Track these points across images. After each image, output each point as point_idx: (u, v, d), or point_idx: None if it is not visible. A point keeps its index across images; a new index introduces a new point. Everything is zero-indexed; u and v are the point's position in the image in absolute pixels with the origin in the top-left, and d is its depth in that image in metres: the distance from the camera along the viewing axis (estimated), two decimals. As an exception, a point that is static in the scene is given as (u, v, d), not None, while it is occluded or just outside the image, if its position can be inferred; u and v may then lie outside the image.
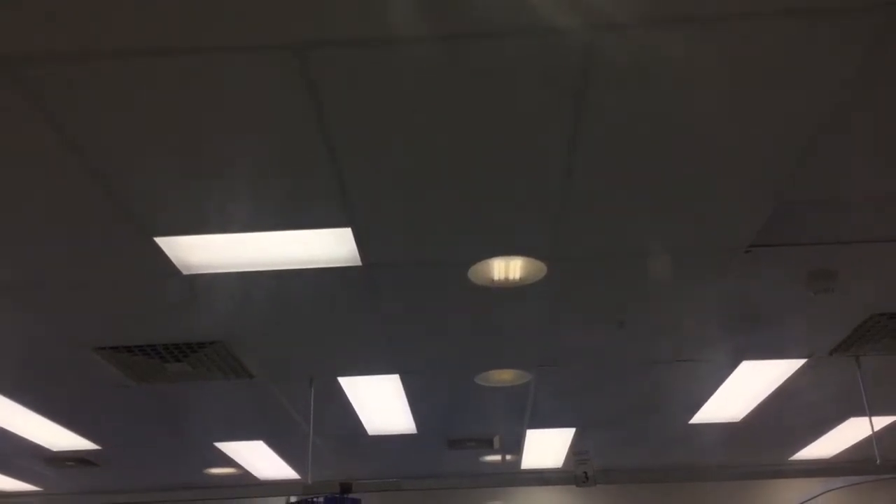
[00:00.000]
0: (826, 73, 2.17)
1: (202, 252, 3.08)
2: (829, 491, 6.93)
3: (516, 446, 6.40)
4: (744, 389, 5.01)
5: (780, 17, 1.96)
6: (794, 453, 6.67)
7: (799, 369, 4.62)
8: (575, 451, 5.87)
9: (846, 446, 6.41)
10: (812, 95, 2.26)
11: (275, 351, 4.13)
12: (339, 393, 4.86)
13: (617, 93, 2.23)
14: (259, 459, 6.48)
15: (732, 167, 2.61)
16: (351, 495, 4.39)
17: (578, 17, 1.94)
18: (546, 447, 6.40)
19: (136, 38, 1.96)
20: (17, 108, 2.19)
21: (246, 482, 7.18)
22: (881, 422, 5.76)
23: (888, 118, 2.40)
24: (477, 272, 3.33)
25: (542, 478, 5.47)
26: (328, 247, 3.09)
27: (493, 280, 3.39)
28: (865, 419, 5.46)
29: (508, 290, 3.50)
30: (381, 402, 5.14)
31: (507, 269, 3.32)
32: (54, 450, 5.89)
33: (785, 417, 5.62)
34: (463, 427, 5.83)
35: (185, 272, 3.21)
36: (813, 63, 2.12)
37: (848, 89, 2.24)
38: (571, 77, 2.16)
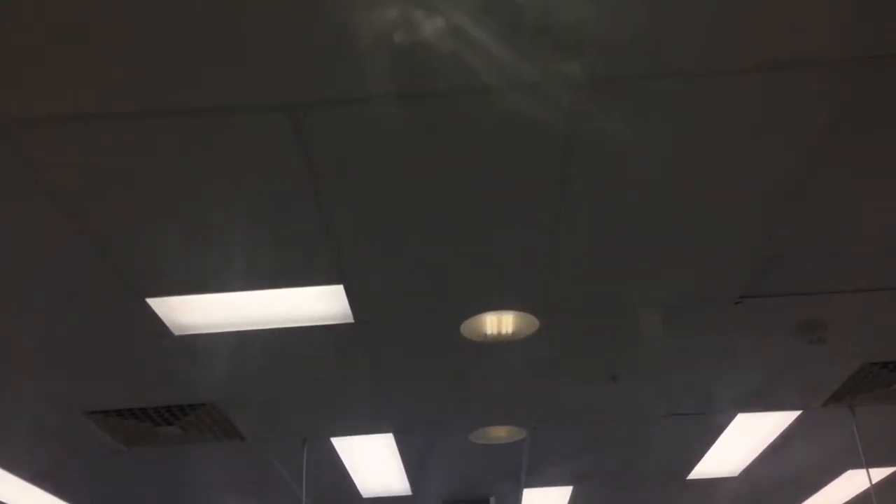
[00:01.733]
0: (805, 124, 2.21)
1: (194, 312, 3.08)
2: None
3: (513, 507, 6.31)
4: (741, 443, 4.97)
5: (757, 71, 2.00)
6: (793, 508, 6.60)
7: (794, 421, 4.60)
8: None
9: (846, 499, 6.34)
10: (791, 147, 2.30)
11: (267, 411, 4.09)
12: (333, 454, 4.81)
13: (600, 152, 2.27)
14: (251, 525, 6.36)
15: (717, 220, 2.64)
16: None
17: (559, 78, 1.98)
18: (543, 507, 6.32)
19: (130, 102, 1.99)
20: (11, 170, 2.21)
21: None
22: (879, 474, 5.71)
23: (868, 167, 2.45)
24: (470, 327, 3.33)
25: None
26: (320, 304, 3.09)
27: (485, 335, 3.39)
28: (863, 471, 5.42)
29: (501, 345, 3.50)
30: (374, 463, 5.08)
31: (500, 323, 3.32)
32: (42, 519, 5.77)
33: (783, 471, 5.57)
34: (458, 488, 5.75)
35: (176, 333, 3.20)
36: (791, 114, 2.17)
37: (827, 139, 2.29)
38: (556, 136, 2.19)
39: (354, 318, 3.18)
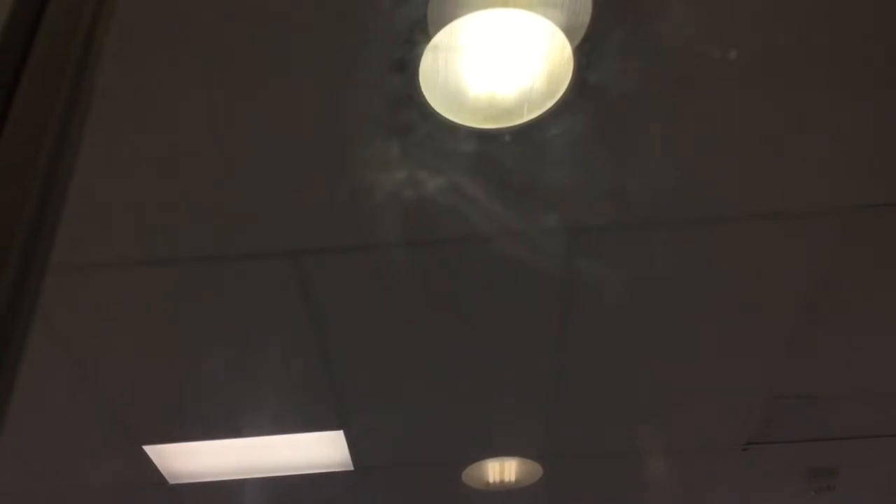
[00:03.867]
0: (801, 270, 2.24)
1: (190, 460, 3.02)
2: None
3: None
4: None
5: (752, 220, 2.05)
6: None
7: (810, 574, 4.41)
8: None
9: None
10: (793, 293, 2.32)
11: (262, 564, 3.94)
12: None
13: (597, 299, 2.29)
14: None
15: (721, 365, 2.63)
16: None
17: (546, 229, 2.04)
18: None
19: (135, 251, 2.03)
20: (15, 318, 2.23)
21: None
22: None
23: (866, 312, 2.46)
24: (471, 475, 3.25)
25: None
26: (320, 450, 3.03)
27: (488, 483, 3.31)
28: None
29: (504, 494, 3.41)
30: None
31: (503, 470, 3.25)
32: None
33: None
34: None
35: (171, 481, 3.13)
36: (787, 260, 2.20)
37: (830, 286, 2.31)
38: (553, 284, 2.23)
39: (354, 464, 3.12)
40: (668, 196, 1.96)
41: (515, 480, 3.30)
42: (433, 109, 1.69)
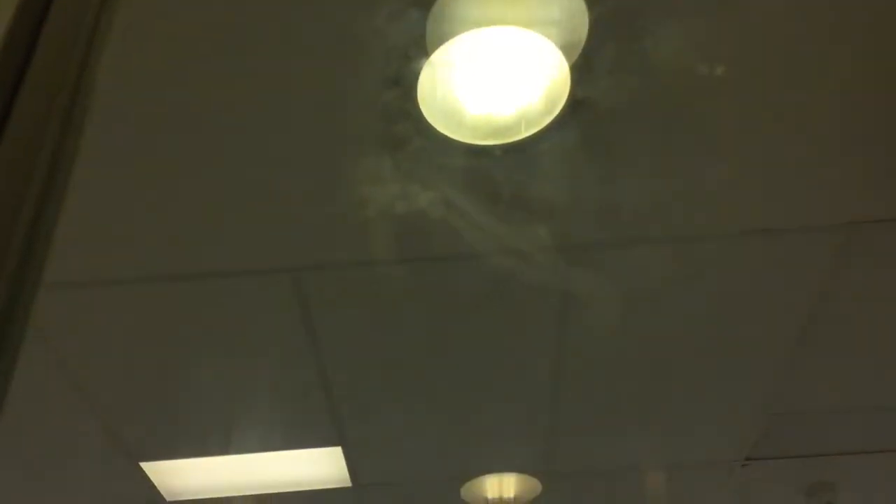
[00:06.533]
0: (799, 285, 2.25)
1: (188, 477, 3.00)
2: None
3: None
4: None
5: (750, 236, 2.06)
6: None
7: (811, 591, 4.39)
8: None
9: None
10: (788, 305, 2.32)
11: (259, 582, 3.92)
12: None
13: (592, 313, 2.29)
14: None
15: (720, 380, 2.63)
16: None
17: (549, 244, 2.04)
18: None
19: (125, 268, 2.03)
20: (13, 334, 2.22)
21: None
22: None
23: (864, 328, 2.46)
24: (470, 491, 3.24)
25: None
26: (317, 467, 3.02)
27: (487, 499, 3.29)
28: None
29: (503, 510, 3.39)
30: None
31: (501, 486, 3.24)
32: None
33: None
34: None
35: (168, 499, 3.12)
36: (783, 278, 2.20)
37: (822, 299, 2.31)
38: (547, 297, 2.23)
39: (352, 481, 3.11)
40: (663, 211, 1.97)
41: (514, 496, 3.29)
42: (430, 125, 1.69)
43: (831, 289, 2.27)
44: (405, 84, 1.61)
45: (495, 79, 1.63)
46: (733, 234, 2.05)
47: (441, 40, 1.55)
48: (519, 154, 1.77)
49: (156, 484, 3.00)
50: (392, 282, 2.15)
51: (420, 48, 1.56)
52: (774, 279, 2.21)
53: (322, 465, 3.01)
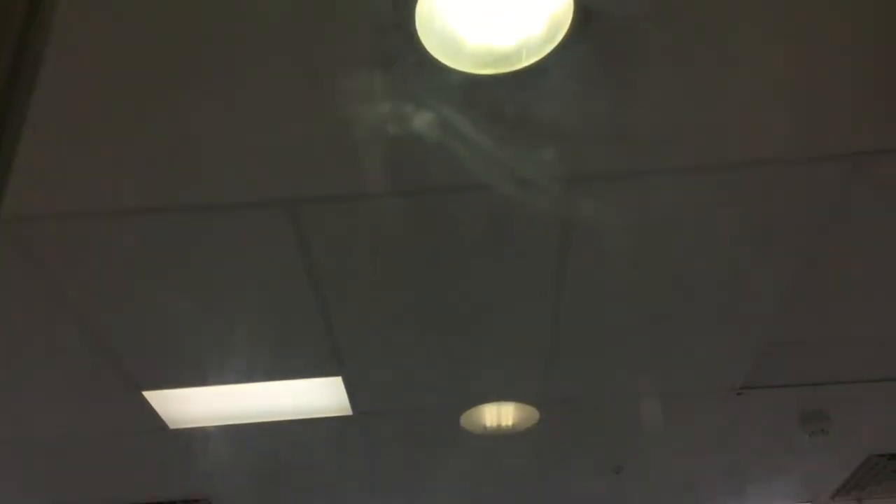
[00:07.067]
0: (801, 217, 2.23)
1: (190, 405, 3.04)
2: None
3: None
4: (747, 536, 4.85)
5: (752, 167, 2.04)
6: None
7: (802, 514, 4.50)
8: None
9: None
10: (789, 237, 2.32)
11: (263, 506, 4.01)
12: (330, 549, 4.69)
13: (594, 242, 2.29)
14: None
15: (717, 310, 2.64)
16: None
17: (555, 172, 2.02)
18: None
19: (126, 199, 2.01)
20: (13, 265, 2.22)
21: None
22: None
23: (864, 260, 2.46)
24: (469, 419, 3.29)
25: None
26: (319, 396, 3.06)
27: (485, 427, 3.34)
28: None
29: (502, 437, 3.45)
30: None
31: (500, 415, 3.28)
32: None
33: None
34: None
35: (171, 426, 3.16)
36: (788, 208, 2.19)
37: (824, 231, 2.31)
38: (549, 226, 2.22)
39: (353, 410, 3.15)
40: (671, 140, 1.94)
41: (513, 424, 3.34)
42: (429, 54, 1.65)
43: (834, 220, 2.26)
44: (404, 8, 1.57)
45: (495, 7, 1.59)
46: (736, 165, 2.03)
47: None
48: (523, 81, 1.73)
49: (159, 412, 3.05)
50: (391, 213, 2.14)
51: (418, -26, 1.52)
52: (777, 211, 2.20)
53: (323, 395, 3.05)
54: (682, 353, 2.89)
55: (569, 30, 1.60)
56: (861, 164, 2.04)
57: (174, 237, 2.17)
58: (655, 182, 2.07)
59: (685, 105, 1.83)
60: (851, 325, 2.80)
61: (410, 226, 2.19)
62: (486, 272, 2.40)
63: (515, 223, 2.19)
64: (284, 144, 1.89)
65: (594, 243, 2.29)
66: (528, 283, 2.46)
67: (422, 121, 1.83)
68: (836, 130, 1.93)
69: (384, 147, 1.90)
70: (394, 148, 1.90)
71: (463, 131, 1.85)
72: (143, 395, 2.92)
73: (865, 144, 1.98)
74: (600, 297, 2.55)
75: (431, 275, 2.40)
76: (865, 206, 2.22)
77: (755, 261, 2.40)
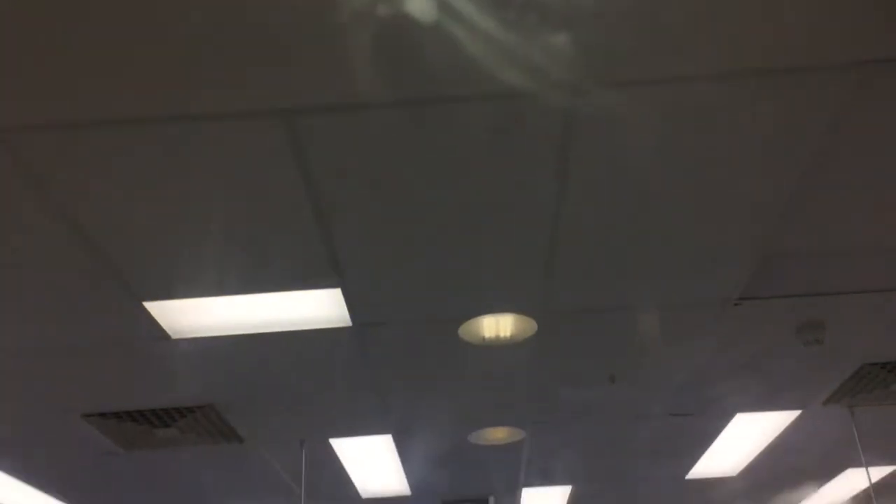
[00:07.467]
0: (804, 127, 2.21)
1: (191, 316, 3.07)
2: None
3: (512, 506, 6.31)
4: (739, 443, 4.97)
5: (758, 75, 2.00)
6: (792, 507, 6.60)
7: (794, 421, 4.60)
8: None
9: (844, 498, 6.34)
10: (791, 148, 2.30)
11: (265, 414, 4.08)
12: (332, 455, 4.80)
13: (596, 148, 2.26)
14: (250, 526, 6.35)
15: (717, 221, 2.63)
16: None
17: (555, 80, 1.97)
18: (542, 506, 6.31)
19: (123, 108, 1.98)
20: (8, 177, 2.20)
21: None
22: (879, 472, 5.71)
23: (866, 171, 2.44)
24: (468, 330, 3.32)
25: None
26: (318, 308, 3.08)
27: (484, 338, 3.38)
28: (863, 470, 5.42)
29: (500, 348, 3.49)
30: (374, 464, 5.07)
31: (498, 326, 3.31)
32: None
33: (782, 471, 5.57)
34: (457, 488, 5.74)
35: (173, 336, 3.19)
36: (791, 117, 2.16)
37: (826, 142, 2.28)
38: (552, 134, 2.18)
39: (352, 321, 3.18)
40: (689, 44, 1.90)
41: (511, 335, 3.37)
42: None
43: (836, 131, 2.23)
44: None
45: None
46: (742, 74, 1.99)
47: None
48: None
49: (160, 322, 3.07)
50: (389, 123, 2.10)
51: None
52: (779, 121, 2.17)
53: (322, 306, 3.07)
54: (680, 263, 2.89)
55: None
56: (866, 74, 2.00)
57: (169, 147, 2.14)
58: (655, 91, 2.03)
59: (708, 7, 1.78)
60: (849, 236, 2.80)
61: (409, 133, 2.16)
62: (485, 182, 2.37)
63: (515, 129, 2.15)
64: (281, 52, 1.84)
65: (594, 147, 2.26)
66: (527, 193, 2.44)
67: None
68: (845, 39, 1.88)
69: (380, 47, 1.86)
70: (390, 36, 1.85)
71: (465, 14, 1.78)
72: (143, 306, 2.94)
73: (874, 52, 1.93)
74: (598, 207, 2.53)
75: (431, 186, 2.38)
76: (868, 118, 2.19)
77: (754, 171, 2.38)
